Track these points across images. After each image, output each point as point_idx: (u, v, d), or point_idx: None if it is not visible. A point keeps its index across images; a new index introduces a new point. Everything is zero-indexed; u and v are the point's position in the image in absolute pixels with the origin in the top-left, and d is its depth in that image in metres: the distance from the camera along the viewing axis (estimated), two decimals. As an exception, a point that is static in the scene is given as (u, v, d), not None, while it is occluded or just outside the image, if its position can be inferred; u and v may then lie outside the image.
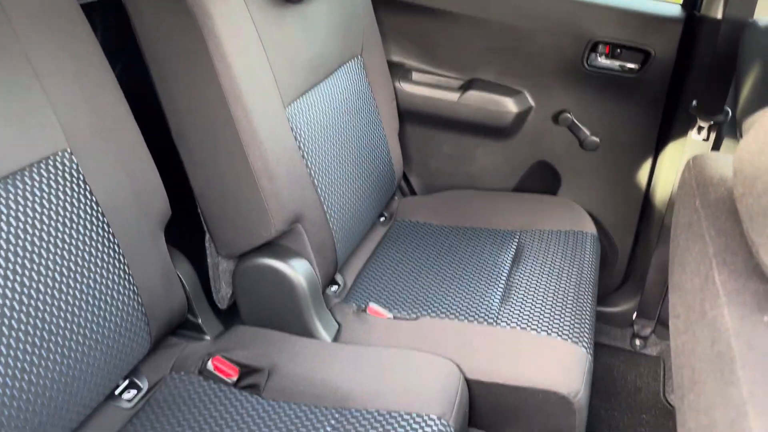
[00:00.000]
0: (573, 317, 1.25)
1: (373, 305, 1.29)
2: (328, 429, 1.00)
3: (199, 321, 1.20)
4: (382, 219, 1.64)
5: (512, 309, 1.28)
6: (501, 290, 1.34)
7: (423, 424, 0.99)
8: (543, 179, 1.74)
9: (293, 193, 1.17)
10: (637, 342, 1.78)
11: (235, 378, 1.10)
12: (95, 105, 1.00)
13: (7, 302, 0.84)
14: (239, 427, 1.01)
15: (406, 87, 1.70)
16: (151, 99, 1.12)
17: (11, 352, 0.84)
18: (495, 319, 1.25)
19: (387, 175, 1.58)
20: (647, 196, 1.66)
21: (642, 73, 1.51)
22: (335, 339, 1.23)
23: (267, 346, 1.16)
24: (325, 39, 1.35)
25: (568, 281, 1.36)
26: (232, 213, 1.15)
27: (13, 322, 0.84)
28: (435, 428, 0.99)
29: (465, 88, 1.67)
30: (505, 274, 1.39)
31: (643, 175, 1.64)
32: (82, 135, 0.97)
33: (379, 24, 1.63)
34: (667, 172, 1.59)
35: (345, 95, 1.42)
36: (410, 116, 1.74)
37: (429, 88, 1.70)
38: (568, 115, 1.62)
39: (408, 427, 0.99)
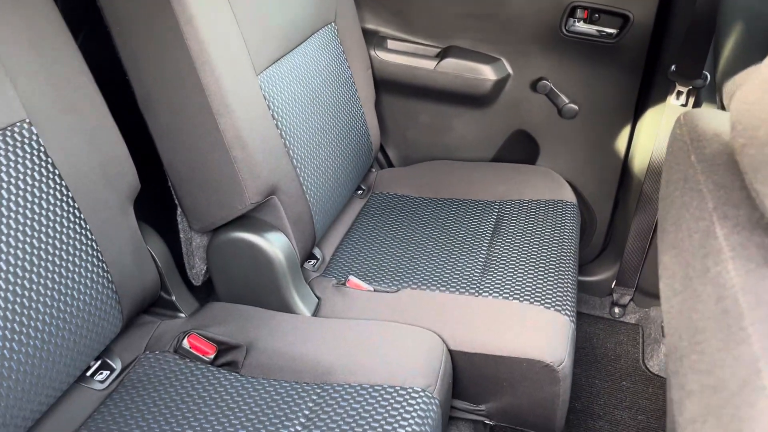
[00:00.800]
0: (555, 286, 1.24)
1: (352, 278, 1.26)
2: (310, 405, 0.97)
3: (173, 298, 1.16)
4: (360, 192, 1.61)
5: (494, 279, 1.26)
6: (482, 261, 1.32)
7: (407, 397, 0.97)
8: (522, 148, 1.72)
9: (268, 164, 1.12)
10: (616, 310, 1.79)
11: (212, 355, 1.07)
12: (55, 74, 0.94)
13: (-34, 281, 0.79)
14: (218, 406, 0.98)
15: (381, 55, 1.66)
16: (116, 67, 1.06)
17: (-28, 334, 0.79)
18: (477, 289, 1.23)
19: (364, 147, 1.54)
20: (626, 163, 1.65)
21: (620, 38, 1.48)
22: (315, 314, 1.20)
23: (244, 322, 1.13)
24: (297, 5, 1.30)
25: (549, 250, 1.35)
26: (204, 185, 1.11)
27: (-27, 302, 0.80)
28: (419, 400, 0.97)
29: (442, 55, 1.63)
30: (486, 245, 1.37)
31: (621, 142, 1.62)
32: (41, 105, 0.92)
33: (353, -10, 1.58)
34: (646, 138, 1.58)
35: (319, 63, 1.37)
36: (386, 85, 1.70)
37: (405, 56, 1.66)
38: (547, 82, 1.59)
39: (392, 400, 0.97)
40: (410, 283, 1.26)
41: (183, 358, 1.07)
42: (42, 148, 0.91)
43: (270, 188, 1.14)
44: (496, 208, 1.50)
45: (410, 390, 0.98)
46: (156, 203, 1.15)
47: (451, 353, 1.12)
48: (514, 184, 1.59)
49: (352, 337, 1.11)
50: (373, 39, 1.66)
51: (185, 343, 1.08)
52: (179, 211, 1.17)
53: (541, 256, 1.33)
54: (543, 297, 1.20)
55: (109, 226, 1.01)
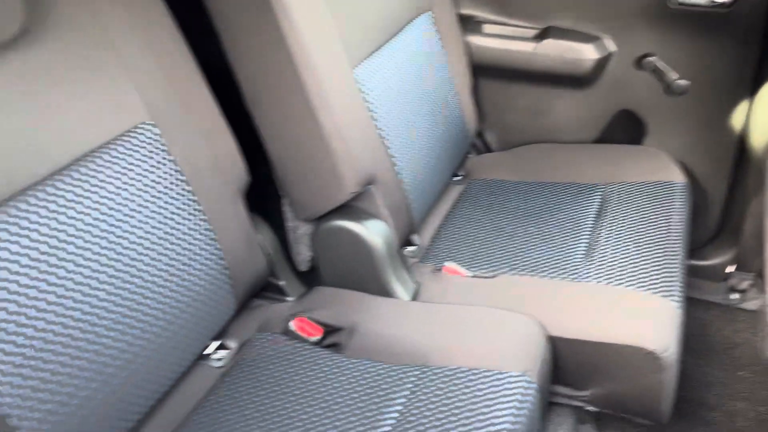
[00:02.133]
0: (662, 270, 1.19)
1: (450, 264, 1.28)
2: (409, 386, 1.01)
3: (282, 283, 1.23)
4: (458, 178, 1.62)
5: (596, 264, 1.23)
6: (584, 245, 1.29)
7: (506, 381, 0.99)
8: (627, 128, 1.66)
9: (365, 155, 1.16)
10: (734, 296, 1.69)
11: (317, 337, 1.13)
12: (172, 78, 1.03)
13: (102, 269, 0.89)
14: (323, 384, 1.04)
15: (477, 40, 1.65)
16: (225, 69, 1.14)
17: (108, 316, 0.89)
18: (578, 274, 1.21)
19: (460, 133, 1.55)
20: (743, 140, 1.55)
21: (735, 6, 1.39)
22: (414, 298, 1.23)
23: (347, 305, 1.18)
24: (390, -4, 1.33)
25: (656, 234, 1.30)
26: (307, 177, 1.17)
27: (109, 287, 0.89)
28: (517, 384, 0.98)
29: (540, 37, 1.60)
30: (589, 229, 1.34)
31: (737, 119, 1.52)
32: (161, 107, 1.00)
33: (447, -23, 1.58)
34: (766, 113, 1.47)
35: (414, 53, 1.39)
36: (483, 70, 1.69)
37: (502, 40, 1.64)
38: (653, 58, 1.52)
39: (490, 384, 0.98)
40: (508, 268, 1.27)
41: (291, 339, 1.13)
42: (164, 147, 1.00)
43: (367, 178, 1.18)
44: (599, 191, 1.46)
45: (509, 374, 0.99)
46: (264, 195, 1.23)
47: (551, 338, 1.11)
48: (619, 165, 1.54)
49: (451, 322, 1.13)
50: (469, 24, 1.66)
51: (293, 326, 1.15)
52: (285, 201, 1.24)
53: (648, 239, 1.28)
54: (648, 282, 1.17)
55: (223, 217, 1.09)
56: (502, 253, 1.31)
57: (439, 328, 1.12)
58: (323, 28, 1.11)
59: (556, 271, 1.23)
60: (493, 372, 1.00)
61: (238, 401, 1.03)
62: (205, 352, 1.12)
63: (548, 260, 1.27)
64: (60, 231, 0.85)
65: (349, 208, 1.22)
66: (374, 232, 1.20)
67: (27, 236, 0.81)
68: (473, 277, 1.25)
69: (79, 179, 0.88)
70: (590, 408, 1.20)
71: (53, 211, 0.85)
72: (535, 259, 1.28)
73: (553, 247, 1.30)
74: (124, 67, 0.96)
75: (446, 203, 1.52)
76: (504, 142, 1.79)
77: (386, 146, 1.24)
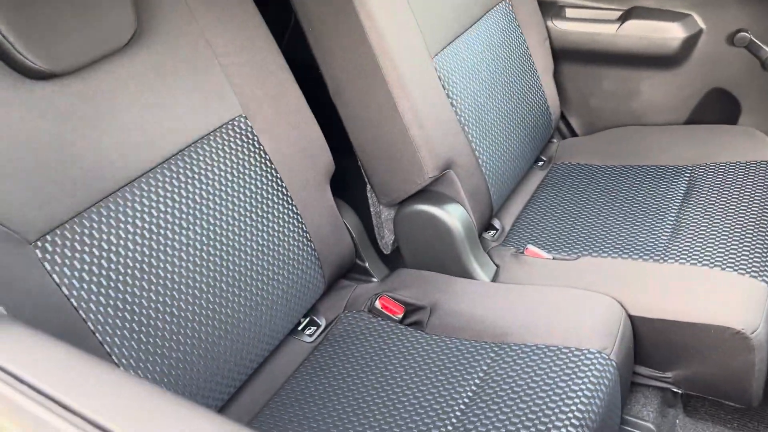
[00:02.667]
0: (752, 251, 1.16)
1: (531, 247, 1.30)
2: (488, 361, 1.04)
3: (367, 265, 1.30)
4: (540, 163, 1.63)
5: (682, 244, 1.21)
6: (670, 226, 1.27)
7: (583, 358, 1.00)
8: (719, 108, 1.60)
9: (443, 141, 1.21)
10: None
11: (400, 315, 1.19)
12: (263, 73, 1.12)
13: (204, 248, 0.99)
14: (405, 359, 1.09)
15: (559, 25, 1.65)
16: (310, 63, 1.21)
17: (208, 291, 0.99)
18: (662, 255, 1.20)
19: (542, 118, 1.56)
20: None
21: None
22: (493, 280, 1.26)
23: (428, 286, 1.23)
24: (469, -15, 1.36)
25: (747, 214, 1.26)
26: (388, 163, 1.23)
27: (209, 264, 0.99)
28: (595, 362, 0.99)
29: (624, 18, 1.58)
30: (675, 210, 1.32)
31: (842, 93, 1.44)
32: (253, 101, 1.09)
33: (526, -37, 1.59)
34: None
35: (493, 41, 1.42)
36: (566, 54, 1.68)
37: (584, 23, 1.63)
38: (746, 33, 1.46)
39: (567, 360, 1.00)
40: (591, 250, 1.27)
41: (376, 317, 1.20)
42: (256, 138, 1.09)
43: (446, 163, 1.22)
44: (687, 173, 1.43)
45: (585, 351, 1.01)
46: (349, 181, 1.30)
47: (633, 318, 1.11)
48: (710, 146, 1.49)
49: (529, 301, 1.15)
50: (550, 9, 1.65)
51: (377, 304, 1.21)
52: (369, 187, 1.31)
53: (738, 220, 1.25)
54: (737, 262, 1.14)
55: (311, 202, 1.17)
56: (584, 236, 1.31)
57: (518, 307, 1.14)
58: (403, 21, 1.17)
59: (639, 253, 1.22)
60: (570, 348, 1.02)
61: (326, 374, 1.10)
62: (298, 328, 1.20)
63: (632, 242, 1.26)
64: (168, 213, 0.95)
65: (429, 193, 1.27)
66: (453, 216, 1.24)
67: (141, 217, 0.92)
68: (555, 259, 1.27)
69: (183, 167, 0.99)
70: (676, 390, 1.18)
71: (162, 196, 0.95)
72: (618, 241, 1.27)
73: (637, 228, 1.29)
74: (220, 65, 1.06)
75: (528, 188, 1.53)
76: (589, 126, 1.77)
77: (465, 132, 1.27)
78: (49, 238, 0.82)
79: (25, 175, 0.81)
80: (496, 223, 1.42)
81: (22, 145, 0.81)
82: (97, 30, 0.88)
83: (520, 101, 1.47)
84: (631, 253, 1.23)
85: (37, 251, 0.81)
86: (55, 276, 0.81)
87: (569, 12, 1.66)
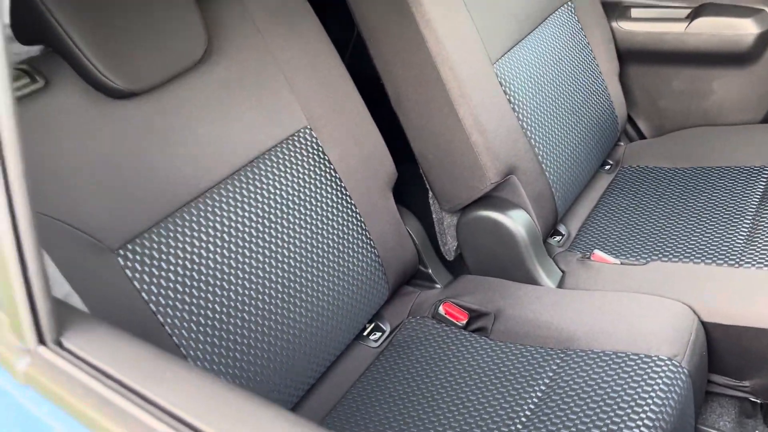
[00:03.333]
0: (836, 255, 1.10)
1: (598, 252, 1.28)
2: (554, 368, 1.03)
3: (430, 271, 1.31)
4: (608, 167, 1.59)
5: (760, 248, 1.17)
6: (746, 230, 1.23)
7: (652, 364, 0.98)
8: (799, 105, 1.53)
9: (505, 146, 1.21)
10: None
11: (464, 321, 1.19)
12: (327, 85, 1.15)
13: (272, 257, 1.02)
14: (470, 365, 1.10)
15: (624, 26, 1.62)
16: (372, 73, 1.24)
17: (278, 296, 1.02)
18: (738, 259, 1.16)
19: (608, 121, 1.53)
20: None
21: None
22: (559, 286, 1.25)
23: (492, 292, 1.23)
24: (530, -9, 1.35)
25: (832, 216, 1.20)
26: (449, 169, 1.23)
27: (278, 270, 1.03)
28: (666, 369, 0.97)
29: (693, 16, 1.53)
30: (752, 213, 1.27)
31: None
32: (318, 113, 1.13)
33: (590, -36, 1.57)
34: None
35: (555, 44, 1.40)
36: (632, 55, 1.64)
37: (651, 23, 1.59)
38: (827, 26, 1.40)
39: (635, 367, 0.98)
40: (660, 255, 1.24)
41: (440, 322, 1.21)
42: (320, 148, 1.13)
43: (508, 168, 1.22)
44: (765, 174, 1.37)
45: (655, 357, 0.98)
46: (411, 189, 1.32)
47: (706, 325, 1.08)
48: (790, 146, 1.43)
49: (596, 307, 1.13)
50: (614, 10, 1.63)
51: (441, 310, 1.22)
52: (431, 194, 1.32)
53: (821, 222, 1.19)
54: (820, 267, 1.08)
55: (374, 210, 1.19)
56: (653, 241, 1.28)
57: (584, 313, 1.13)
58: (462, 29, 1.18)
59: (712, 257, 1.18)
60: (639, 355, 1.00)
61: (392, 378, 1.12)
62: (364, 333, 1.22)
63: (704, 246, 1.22)
64: (239, 222, 0.99)
65: (491, 199, 1.27)
66: (517, 221, 1.23)
67: (213, 226, 0.96)
68: (621, 264, 1.24)
69: (252, 178, 1.03)
70: (755, 399, 1.13)
71: (233, 205, 1.00)
72: (689, 245, 1.23)
73: (710, 232, 1.25)
74: (286, 78, 1.10)
75: (595, 192, 1.51)
76: (657, 128, 1.72)
77: (528, 137, 1.27)
78: (130, 246, 0.87)
79: (107, 188, 0.87)
80: (562, 228, 1.40)
81: (105, 160, 0.87)
82: (171, 50, 0.93)
83: (584, 104, 1.45)
84: (703, 258, 1.19)
85: (119, 259, 0.86)
86: (135, 282, 0.87)
87: (635, 12, 1.62)
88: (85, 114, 0.86)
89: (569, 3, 1.47)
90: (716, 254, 1.19)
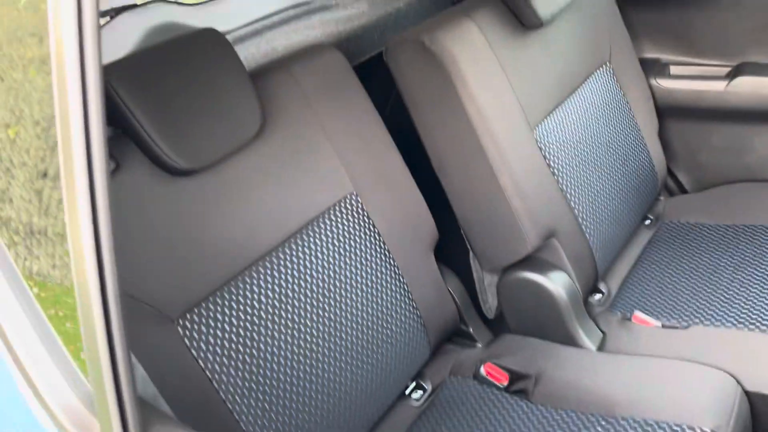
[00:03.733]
0: None
1: (639, 313, 1.29)
2: (595, 435, 1.04)
3: (471, 329, 1.33)
4: (648, 222, 1.60)
5: (805, 315, 1.16)
6: (790, 294, 1.22)
7: (695, 436, 0.98)
8: None
9: (545, 210, 1.24)
10: None
11: (505, 383, 1.21)
12: (371, 152, 1.20)
13: (320, 320, 1.07)
14: (511, 429, 1.11)
15: (663, 83, 1.64)
16: (414, 139, 1.29)
17: (326, 357, 1.06)
18: (782, 326, 1.15)
19: (648, 177, 1.54)
20: None
21: None
22: (600, 348, 1.26)
23: (533, 353, 1.24)
24: (568, 55, 1.39)
25: None
26: (490, 232, 1.27)
27: (326, 334, 1.07)
28: (709, 441, 0.97)
29: (733, 74, 1.55)
30: (797, 276, 1.26)
31: None
32: (363, 179, 1.18)
33: (627, 24, 1.60)
34: None
35: (594, 105, 1.43)
36: (671, 112, 1.66)
37: (690, 81, 1.61)
38: None
39: (678, 438, 0.99)
40: (702, 318, 1.24)
41: (481, 383, 1.23)
42: (365, 213, 1.17)
43: (548, 232, 1.25)
44: (811, 234, 1.37)
45: (698, 429, 0.99)
46: (452, 248, 1.35)
47: (749, 395, 1.07)
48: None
49: (638, 373, 1.14)
50: (653, 68, 1.65)
51: (482, 371, 1.24)
52: (471, 254, 1.35)
53: None
54: None
55: (416, 271, 1.23)
56: (695, 302, 1.28)
57: (626, 379, 1.13)
58: (501, 97, 1.22)
59: (756, 323, 1.18)
60: (681, 426, 1.00)
61: (433, 438, 1.14)
62: (405, 392, 1.25)
63: (747, 310, 1.22)
64: (289, 288, 1.04)
65: (532, 260, 1.29)
66: (557, 283, 1.25)
67: (265, 293, 1.01)
68: (663, 327, 1.24)
69: (302, 244, 1.08)
70: (802, 471, 1.12)
71: (285, 270, 1.05)
72: (733, 309, 1.23)
73: (755, 296, 1.25)
74: (333, 147, 1.15)
75: (635, 248, 1.51)
76: (698, 183, 1.72)
77: (567, 200, 1.30)
78: (188, 315, 0.92)
79: (169, 260, 0.92)
80: (602, 286, 1.42)
81: (167, 234, 0.93)
82: (229, 129, 0.99)
83: (623, 162, 1.47)
84: (746, 323, 1.19)
85: (179, 328, 0.91)
86: (193, 350, 0.92)
87: (674, 69, 1.65)
88: (149, 192, 0.93)
89: (607, 64, 1.50)
90: (760, 319, 1.18)
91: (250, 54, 1.28)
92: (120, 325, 0.55)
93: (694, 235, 1.50)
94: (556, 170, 1.29)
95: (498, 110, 1.20)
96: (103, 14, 1.40)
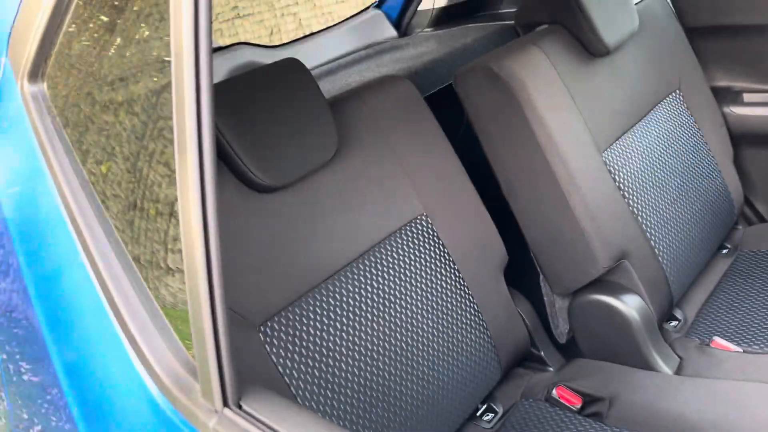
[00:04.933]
0: None
1: (717, 339, 1.25)
2: (675, 458, 1.01)
3: (542, 354, 1.33)
4: (725, 251, 1.56)
5: None
6: None
7: (782, 460, 0.94)
8: None
9: (616, 232, 1.24)
10: None
11: (578, 405, 1.19)
12: (441, 176, 1.24)
13: (390, 335, 1.10)
14: (585, 451, 1.09)
15: (737, 111, 1.62)
16: (483, 162, 1.32)
17: (397, 373, 1.09)
18: None
19: (723, 205, 1.51)
20: None
21: None
22: (677, 373, 1.22)
23: (607, 377, 1.22)
24: (636, 82, 1.41)
25: None
26: (561, 254, 1.27)
27: (397, 349, 1.10)
28: (797, 465, 0.93)
29: (809, 99, 1.52)
30: None
31: None
32: (433, 201, 1.22)
33: (698, 53, 1.60)
34: None
35: (665, 131, 1.44)
36: (746, 139, 1.63)
37: (765, 108, 1.59)
38: None
39: (764, 462, 0.95)
40: (786, 343, 1.19)
41: (553, 406, 1.21)
42: (435, 233, 1.21)
43: (620, 253, 1.24)
44: None
45: (785, 453, 0.95)
46: (523, 271, 1.36)
47: (840, 421, 1.02)
48: None
49: (718, 397, 1.11)
50: (726, 96, 1.64)
51: (554, 393, 1.23)
52: (542, 277, 1.36)
53: None
54: None
55: (486, 292, 1.24)
56: (777, 329, 1.24)
57: (705, 402, 1.10)
58: (570, 121, 1.24)
59: None
60: (767, 449, 0.96)
61: (505, 461, 1.14)
62: (477, 414, 1.25)
63: (836, 336, 1.17)
64: (362, 302, 1.08)
65: (604, 282, 1.28)
66: (630, 306, 1.24)
67: (340, 305, 1.06)
68: (744, 352, 1.21)
69: (375, 261, 1.12)
70: None
71: (357, 286, 1.09)
72: (819, 334, 1.19)
73: (843, 321, 1.19)
74: (404, 171, 1.20)
75: (713, 276, 1.48)
76: (778, 211, 1.68)
77: (639, 222, 1.29)
78: (269, 323, 0.98)
79: (253, 270, 0.99)
80: (678, 313, 1.38)
81: (250, 246, 1.00)
82: (308, 151, 1.06)
83: (696, 189, 1.45)
84: (836, 348, 1.14)
85: (260, 335, 0.96)
86: (273, 356, 0.96)
87: (747, 97, 1.63)
88: (236, 207, 1.00)
89: (677, 91, 1.51)
90: None
91: (326, 90, 1.36)
92: (222, 307, 0.61)
93: (775, 264, 1.45)
94: (626, 193, 1.30)
95: (566, 134, 1.23)
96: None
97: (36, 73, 0.93)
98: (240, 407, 0.67)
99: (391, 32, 1.84)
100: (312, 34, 1.80)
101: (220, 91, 1.01)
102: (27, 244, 0.99)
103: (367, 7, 1.88)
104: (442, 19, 1.86)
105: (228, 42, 1.86)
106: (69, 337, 0.93)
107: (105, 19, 0.87)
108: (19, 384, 1.12)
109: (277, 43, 1.81)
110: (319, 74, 1.58)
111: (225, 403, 0.67)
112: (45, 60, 0.92)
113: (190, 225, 0.64)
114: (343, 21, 1.81)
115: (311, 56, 1.63)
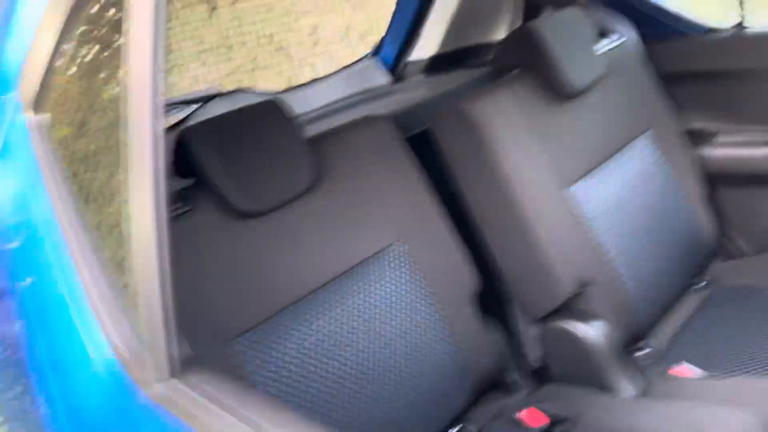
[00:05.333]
0: None
1: (685, 365, 1.30)
2: (628, 474, 1.06)
3: (515, 378, 1.38)
4: (700, 285, 1.60)
5: None
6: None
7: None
8: None
9: (578, 259, 1.31)
10: None
11: (544, 425, 1.24)
12: (416, 205, 1.33)
13: (363, 352, 1.18)
14: (547, 468, 1.14)
15: (712, 152, 1.69)
16: (459, 199, 1.41)
17: (365, 389, 1.16)
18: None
19: (694, 241, 1.57)
20: None
21: None
22: (642, 396, 1.27)
23: (574, 399, 1.28)
24: (606, 123, 1.50)
25: None
26: (529, 280, 1.35)
27: (368, 366, 1.17)
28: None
29: (780, 139, 1.58)
30: None
31: None
32: (408, 229, 1.30)
33: (673, 96, 1.69)
34: None
35: (633, 170, 1.51)
36: (724, 178, 1.70)
37: (740, 148, 1.66)
38: None
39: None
40: (748, 368, 1.23)
41: (522, 427, 1.27)
42: (409, 260, 1.29)
43: (584, 280, 1.32)
44: None
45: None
46: (496, 299, 1.43)
47: (791, 442, 1.06)
48: None
49: (679, 420, 1.15)
50: (701, 137, 1.71)
51: (523, 415, 1.28)
52: (513, 303, 1.42)
53: None
54: None
55: (459, 318, 1.32)
56: (741, 356, 1.28)
57: (664, 425, 1.15)
58: (533, 159, 1.34)
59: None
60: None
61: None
62: (447, 433, 1.31)
63: (795, 362, 1.20)
64: (336, 319, 1.17)
65: (571, 309, 1.35)
66: (594, 331, 1.30)
67: (314, 321, 1.14)
68: (706, 378, 1.25)
69: (348, 284, 1.21)
70: None
71: (329, 306, 1.18)
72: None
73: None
74: (380, 201, 1.29)
75: (684, 309, 1.52)
76: (755, 246, 1.72)
77: (604, 252, 1.36)
78: (240, 339, 1.06)
79: (232, 288, 1.08)
80: (650, 341, 1.43)
81: (229, 265, 1.10)
82: (286, 180, 1.17)
83: (666, 223, 1.51)
84: (793, 374, 1.18)
85: (233, 348, 1.05)
86: (244, 369, 1.05)
87: (722, 138, 1.70)
88: (219, 231, 1.11)
89: (648, 132, 1.58)
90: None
91: (318, 131, 1.48)
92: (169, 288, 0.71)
93: (747, 299, 1.49)
94: (594, 225, 1.37)
95: (529, 171, 1.32)
96: (196, 101, 1.68)
97: (39, 103, 1.07)
98: (186, 380, 0.77)
99: (386, 78, 1.97)
100: (313, 81, 1.94)
101: (205, 128, 1.13)
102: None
103: (365, 56, 2.03)
104: (435, 65, 1.99)
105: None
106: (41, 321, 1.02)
107: (92, 55, 1.00)
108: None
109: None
110: (312, 118, 1.69)
111: (172, 374, 0.77)
112: (47, 91, 1.05)
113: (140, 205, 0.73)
114: (340, 69, 1.95)
115: (306, 101, 1.76)
